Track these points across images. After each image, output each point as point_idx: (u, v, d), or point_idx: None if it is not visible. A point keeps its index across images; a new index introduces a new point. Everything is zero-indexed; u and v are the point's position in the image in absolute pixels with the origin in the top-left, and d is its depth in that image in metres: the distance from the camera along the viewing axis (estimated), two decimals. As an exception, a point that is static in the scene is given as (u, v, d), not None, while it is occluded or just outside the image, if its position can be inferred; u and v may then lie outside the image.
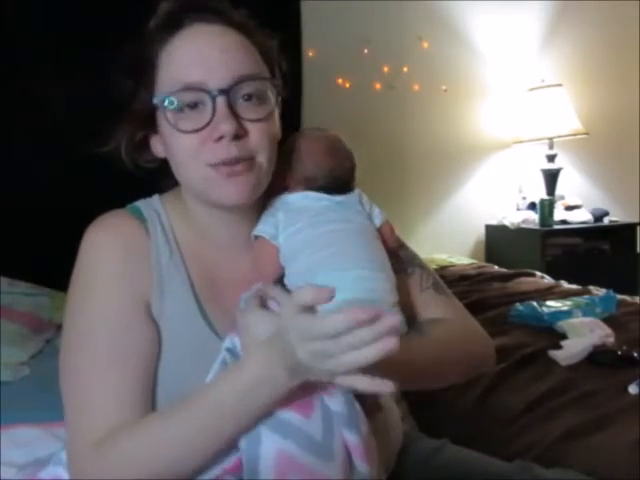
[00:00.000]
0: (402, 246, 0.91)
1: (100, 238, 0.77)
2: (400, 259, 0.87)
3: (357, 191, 0.84)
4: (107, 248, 0.76)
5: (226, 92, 0.72)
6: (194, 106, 0.73)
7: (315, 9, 2.72)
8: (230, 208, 0.78)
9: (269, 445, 0.64)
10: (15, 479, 1.01)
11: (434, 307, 0.84)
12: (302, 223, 0.77)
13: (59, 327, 1.73)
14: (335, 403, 0.66)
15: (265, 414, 0.64)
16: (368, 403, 0.70)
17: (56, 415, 1.17)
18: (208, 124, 0.72)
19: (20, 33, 1.99)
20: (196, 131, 0.73)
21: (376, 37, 2.93)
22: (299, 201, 0.79)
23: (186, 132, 0.73)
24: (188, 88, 0.72)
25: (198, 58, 0.73)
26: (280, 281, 0.78)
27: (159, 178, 0.86)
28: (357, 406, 0.67)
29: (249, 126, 0.74)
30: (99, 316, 0.73)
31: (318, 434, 0.65)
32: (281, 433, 0.64)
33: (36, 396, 1.32)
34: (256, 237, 0.80)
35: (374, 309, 0.53)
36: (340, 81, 2.92)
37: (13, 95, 1.97)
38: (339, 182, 0.81)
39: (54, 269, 1.78)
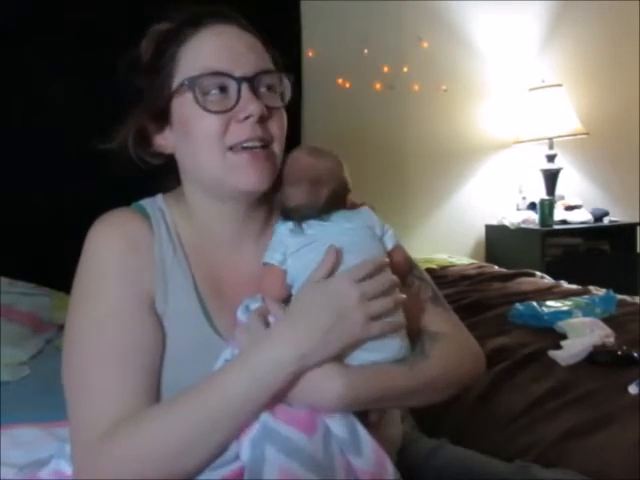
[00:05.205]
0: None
1: (104, 234, 0.79)
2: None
3: (366, 210, 0.80)
4: (111, 244, 0.77)
5: (250, 80, 0.76)
6: (222, 89, 0.76)
7: (315, 9, 2.72)
8: (243, 196, 0.79)
9: (273, 464, 0.64)
10: (15, 479, 1.01)
11: (432, 320, 0.82)
12: (309, 247, 0.75)
13: (59, 327, 1.73)
14: (335, 425, 0.67)
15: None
16: (369, 412, 0.71)
17: (56, 415, 1.17)
18: (234, 106, 0.76)
19: (20, 30, 1.99)
20: (223, 112, 0.76)
21: (376, 37, 2.93)
22: (307, 228, 0.77)
23: (214, 112, 0.76)
24: (215, 73, 0.76)
25: (226, 49, 0.77)
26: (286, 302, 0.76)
27: (160, 178, 0.87)
28: (361, 431, 0.68)
29: (270, 113, 0.78)
30: (102, 312, 0.74)
31: (319, 453, 0.65)
32: (286, 453, 0.64)
33: (36, 396, 1.32)
34: (264, 264, 0.77)
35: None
36: (340, 81, 2.92)
37: (13, 93, 1.97)
38: (316, 211, 0.77)
39: (54, 269, 1.78)
